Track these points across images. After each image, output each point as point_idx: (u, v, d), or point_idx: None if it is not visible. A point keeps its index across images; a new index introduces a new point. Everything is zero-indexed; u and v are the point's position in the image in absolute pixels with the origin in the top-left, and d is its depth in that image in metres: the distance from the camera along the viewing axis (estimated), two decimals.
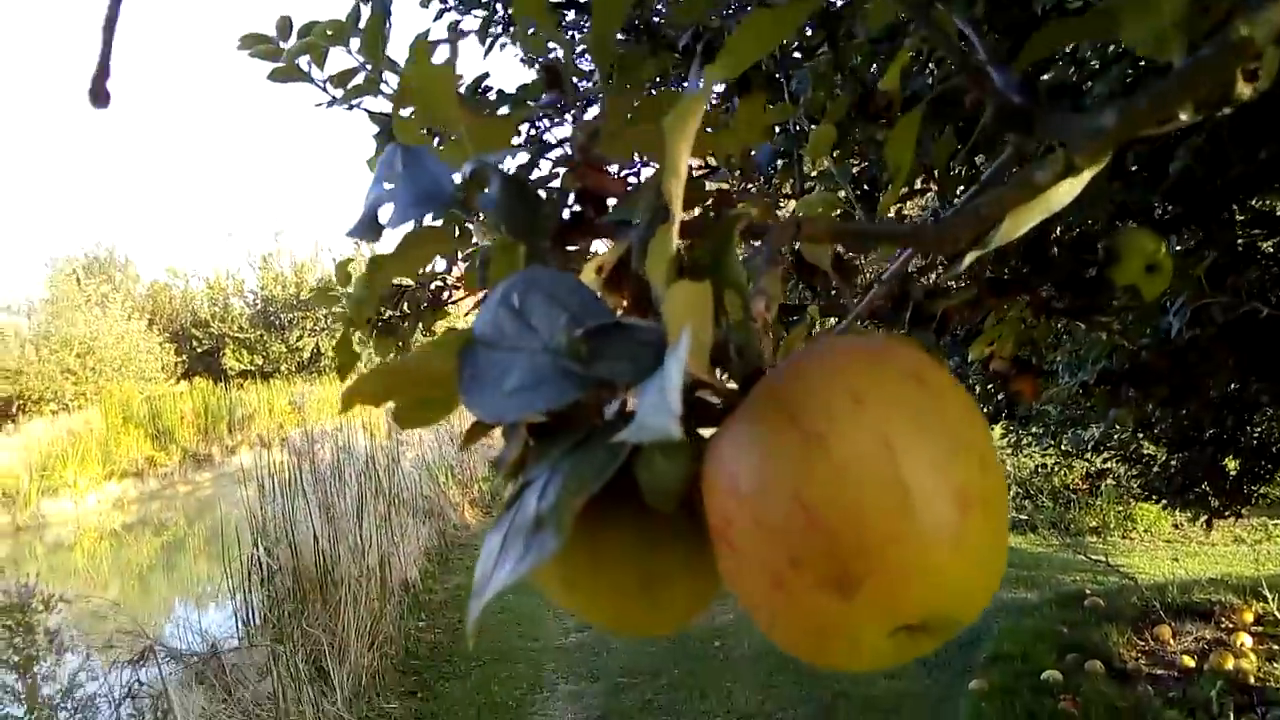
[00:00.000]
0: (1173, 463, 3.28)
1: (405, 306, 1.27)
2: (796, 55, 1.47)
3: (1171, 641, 3.73)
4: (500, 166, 0.38)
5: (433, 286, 1.29)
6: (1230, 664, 3.31)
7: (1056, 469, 6.03)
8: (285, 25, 1.01)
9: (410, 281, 1.28)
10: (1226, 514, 3.32)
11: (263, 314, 27.45)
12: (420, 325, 1.28)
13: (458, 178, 0.38)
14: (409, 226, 0.40)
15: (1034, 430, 4.19)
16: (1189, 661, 3.47)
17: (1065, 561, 5.34)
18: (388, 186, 0.39)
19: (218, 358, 26.45)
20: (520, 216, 0.36)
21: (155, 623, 5.03)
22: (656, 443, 0.27)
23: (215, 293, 28.10)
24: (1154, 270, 0.93)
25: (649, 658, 4.21)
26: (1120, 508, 5.99)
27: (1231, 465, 3.07)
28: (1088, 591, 4.51)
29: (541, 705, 3.80)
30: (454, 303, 1.34)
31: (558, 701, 3.83)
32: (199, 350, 26.70)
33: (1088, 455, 4.13)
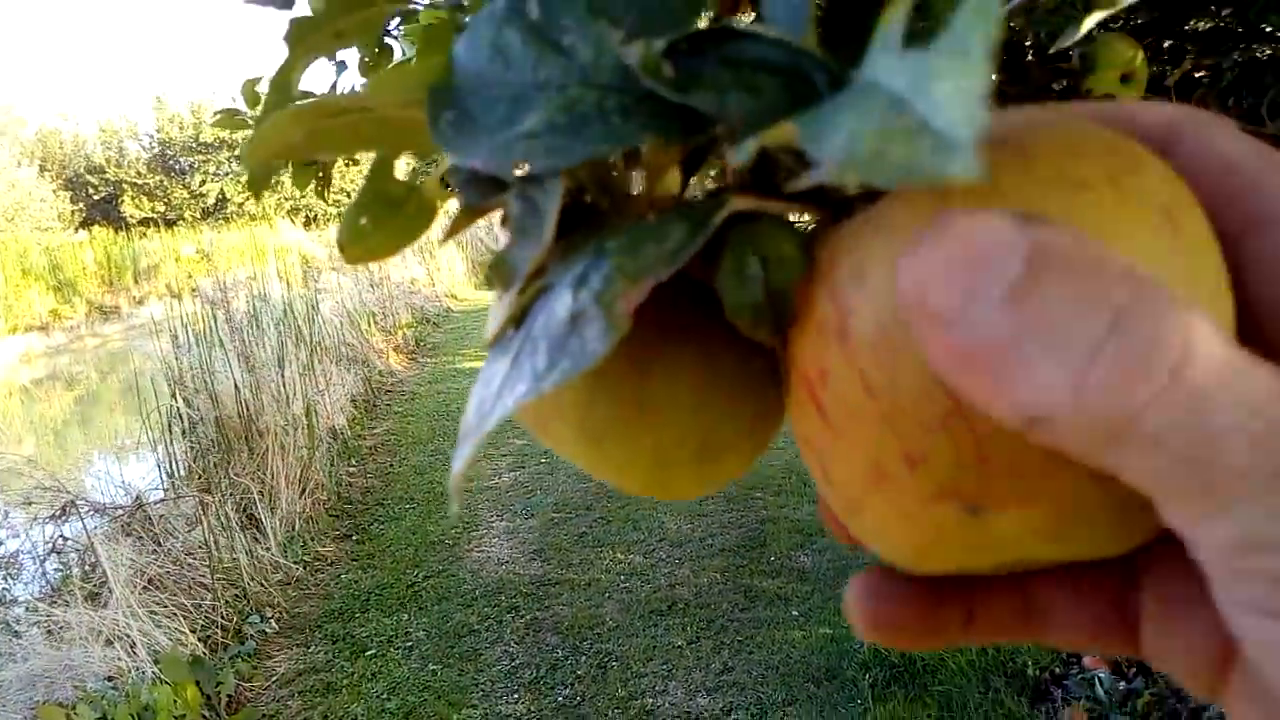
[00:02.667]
0: None
1: None
2: None
3: None
4: None
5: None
6: None
7: None
8: None
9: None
10: None
11: (161, 158, 26.10)
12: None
13: None
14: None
15: None
16: None
17: None
18: None
19: (116, 205, 25.23)
20: None
21: (75, 477, 4.92)
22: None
23: (108, 136, 26.46)
24: (1129, 80, 0.88)
25: (581, 494, 4.29)
26: None
27: None
28: None
29: (478, 542, 3.86)
30: None
31: (494, 537, 3.89)
32: (95, 198, 25.40)
33: None
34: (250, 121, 1.18)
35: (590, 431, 0.24)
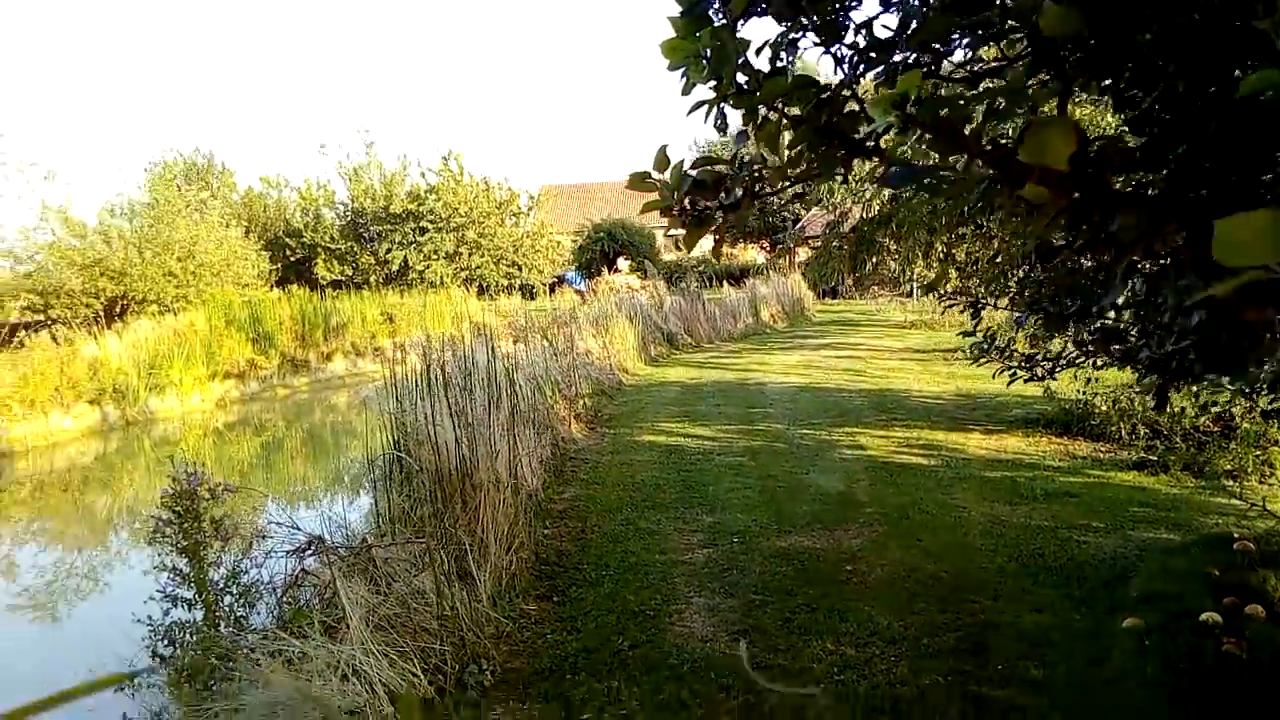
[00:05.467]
0: None
1: (723, 196, 1.20)
2: None
3: None
4: None
5: (747, 175, 1.21)
6: None
7: (1188, 410, 5.83)
8: None
9: (725, 169, 1.21)
10: None
11: (352, 225, 27.95)
12: (735, 218, 1.20)
13: None
14: None
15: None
16: None
17: (1203, 503, 5.18)
18: None
19: (309, 267, 27.09)
20: None
21: (295, 517, 5.18)
22: None
23: (307, 203, 28.62)
24: None
25: (779, 578, 4.21)
26: (1259, 451, 5.76)
27: None
28: (1235, 534, 4.35)
29: (679, 616, 3.83)
30: (770, 194, 1.26)
31: (696, 614, 3.85)
32: (292, 259, 27.34)
33: (1260, 391, 3.90)
34: (658, 184, 1.23)
35: None
